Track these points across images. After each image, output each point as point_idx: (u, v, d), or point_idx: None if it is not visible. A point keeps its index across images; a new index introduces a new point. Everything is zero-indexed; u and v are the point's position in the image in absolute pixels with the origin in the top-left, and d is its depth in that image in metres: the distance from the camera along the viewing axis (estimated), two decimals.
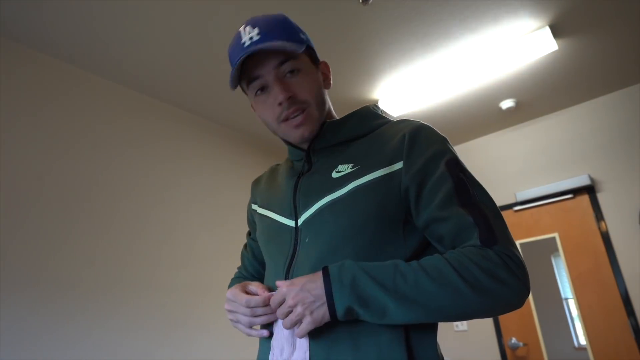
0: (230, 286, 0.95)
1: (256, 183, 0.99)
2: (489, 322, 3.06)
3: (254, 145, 3.19)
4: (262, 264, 0.98)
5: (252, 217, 0.97)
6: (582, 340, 2.68)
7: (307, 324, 0.63)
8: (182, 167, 2.58)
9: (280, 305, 0.66)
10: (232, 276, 1.04)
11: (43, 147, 1.95)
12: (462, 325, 3.16)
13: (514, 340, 2.90)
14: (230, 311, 0.76)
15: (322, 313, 0.62)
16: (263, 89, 0.75)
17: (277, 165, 0.99)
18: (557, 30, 2.16)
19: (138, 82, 2.36)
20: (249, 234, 1.02)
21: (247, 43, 0.72)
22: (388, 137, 0.75)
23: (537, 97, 2.85)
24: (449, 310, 0.61)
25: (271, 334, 0.73)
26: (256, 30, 0.72)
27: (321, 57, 1.89)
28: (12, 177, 1.81)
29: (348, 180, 0.72)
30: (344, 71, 2.39)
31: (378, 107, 0.86)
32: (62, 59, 2.12)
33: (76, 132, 2.10)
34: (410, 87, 2.58)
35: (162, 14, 1.87)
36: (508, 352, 2.91)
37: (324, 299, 0.62)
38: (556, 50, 2.33)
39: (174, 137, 2.60)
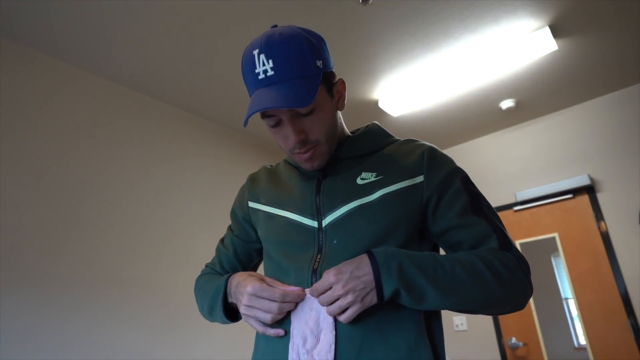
0: (203, 281, 0.92)
1: (254, 180, 0.95)
2: (489, 322, 3.06)
3: (254, 146, 3.19)
4: (242, 263, 0.95)
5: (244, 214, 0.94)
6: (582, 340, 2.68)
7: (356, 310, 0.65)
8: (182, 167, 2.58)
9: (324, 292, 0.67)
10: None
11: (43, 146, 1.95)
12: (462, 325, 3.16)
13: (514, 340, 2.90)
14: (249, 307, 0.72)
15: (370, 298, 0.65)
16: (278, 124, 0.76)
17: (271, 166, 0.97)
18: (557, 30, 2.16)
19: (138, 82, 2.36)
20: (231, 230, 0.99)
21: (261, 76, 0.71)
22: (404, 154, 0.81)
23: (537, 97, 2.85)
24: (478, 300, 0.68)
25: (286, 332, 0.72)
26: (270, 64, 0.70)
27: None
28: (12, 177, 1.81)
29: (375, 187, 0.77)
30: (344, 71, 2.39)
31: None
32: (62, 59, 2.12)
33: (76, 132, 2.10)
34: (410, 87, 2.58)
35: (162, 14, 1.87)
36: (508, 352, 2.91)
37: (373, 285, 0.65)
38: (556, 50, 2.33)
39: (175, 137, 2.60)
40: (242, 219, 0.95)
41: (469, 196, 0.76)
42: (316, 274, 0.72)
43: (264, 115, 0.75)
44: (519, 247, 3.06)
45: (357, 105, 2.74)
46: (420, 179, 0.77)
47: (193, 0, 1.80)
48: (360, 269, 0.65)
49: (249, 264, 0.97)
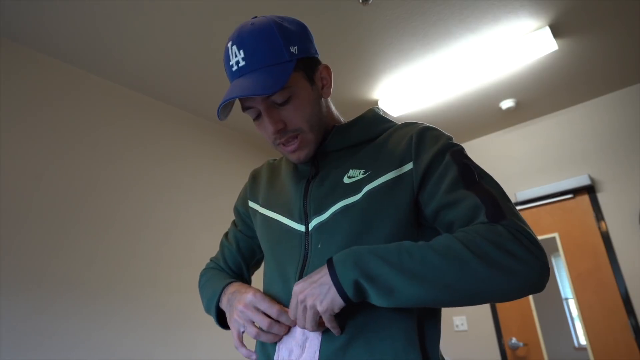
0: (206, 278, 0.92)
1: (255, 179, 0.95)
2: (489, 322, 3.06)
3: (253, 145, 3.19)
4: (245, 259, 0.95)
5: (246, 212, 0.94)
6: (582, 340, 2.68)
7: (326, 316, 0.61)
8: (182, 167, 2.58)
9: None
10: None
11: (43, 147, 1.95)
12: (462, 326, 3.16)
13: (514, 340, 2.90)
14: (243, 312, 0.71)
15: (331, 297, 0.61)
16: (258, 116, 0.74)
17: (274, 161, 0.96)
18: (557, 30, 2.16)
19: (138, 82, 2.36)
20: (235, 225, 0.99)
21: (235, 68, 0.71)
22: (396, 141, 0.75)
23: (537, 97, 2.85)
24: (460, 286, 0.58)
25: (257, 357, 0.73)
26: (242, 54, 0.69)
27: (321, 57, 1.88)
28: (12, 177, 1.81)
29: (361, 185, 0.72)
30: (344, 71, 2.39)
31: (380, 109, 0.86)
32: (62, 59, 2.12)
33: (76, 132, 2.10)
34: (410, 87, 2.58)
35: (162, 14, 1.87)
36: (508, 352, 2.91)
37: (330, 282, 0.61)
38: (556, 50, 2.33)
39: (174, 137, 2.60)
40: (244, 215, 0.95)
41: (458, 168, 0.68)
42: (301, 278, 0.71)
43: (244, 107, 0.74)
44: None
45: (357, 105, 2.74)
46: (409, 166, 0.71)
47: (194, 1, 1.80)
48: (317, 274, 0.63)
49: (251, 259, 0.97)
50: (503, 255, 0.58)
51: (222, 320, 0.85)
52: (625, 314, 2.57)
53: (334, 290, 0.61)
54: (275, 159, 0.97)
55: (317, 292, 0.61)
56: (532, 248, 0.59)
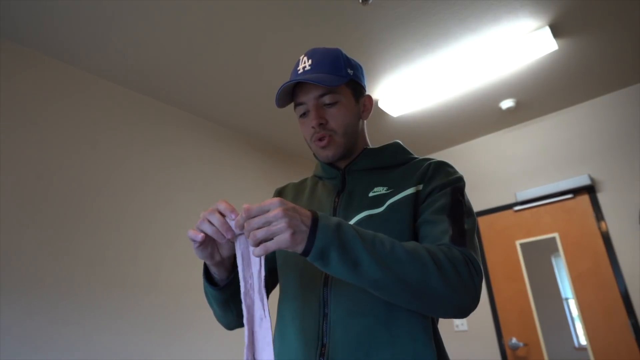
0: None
1: (281, 193, 1.02)
2: (489, 322, 3.06)
3: (257, 148, 3.19)
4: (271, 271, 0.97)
5: None
6: (582, 340, 2.68)
7: (279, 243, 0.60)
8: (185, 169, 2.58)
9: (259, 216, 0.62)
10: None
11: (46, 149, 1.95)
12: (462, 326, 3.16)
13: (514, 340, 2.90)
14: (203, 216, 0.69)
15: (300, 238, 0.61)
16: (305, 113, 0.89)
17: (294, 183, 1.04)
18: (557, 30, 2.16)
19: (141, 84, 2.36)
20: None
21: (300, 71, 0.87)
22: (416, 167, 0.88)
23: (537, 97, 2.85)
24: (413, 284, 0.64)
25: (204, 236, 0.68)
26: (309, 62, 0.86)
27: None
28: (14, 179, 1.81)
29: (384, 199, 0.83)
30: None
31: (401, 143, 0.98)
32: (64, 61, 2.12)
33: (79, 134, 2.10)
34: (410, 87, 2.58)
35: (164, 16, 1.86)
36: (508, 352, 2.91)
37: (309, 224, 0.62)
38: (556, 50, 2.33)
39: (178, 140, 2.60)
40: None
41: (452, 201, 0.79)
42: (328, 281, 0.78)
43: (296, 104, 0.89)
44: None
45: None
46: (421, 186, 0.83)
47: (195, 2, 1.80)
48: (303, 210, 0.64)
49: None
50: (453, 272, 0.67)
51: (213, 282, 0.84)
52: (625, 313, 2.57)
53: (306, 234, 0.61)
54: (294, 182, 1.06)
55: (297, 221, 0.61)
56: (475, 277, 0.69)
